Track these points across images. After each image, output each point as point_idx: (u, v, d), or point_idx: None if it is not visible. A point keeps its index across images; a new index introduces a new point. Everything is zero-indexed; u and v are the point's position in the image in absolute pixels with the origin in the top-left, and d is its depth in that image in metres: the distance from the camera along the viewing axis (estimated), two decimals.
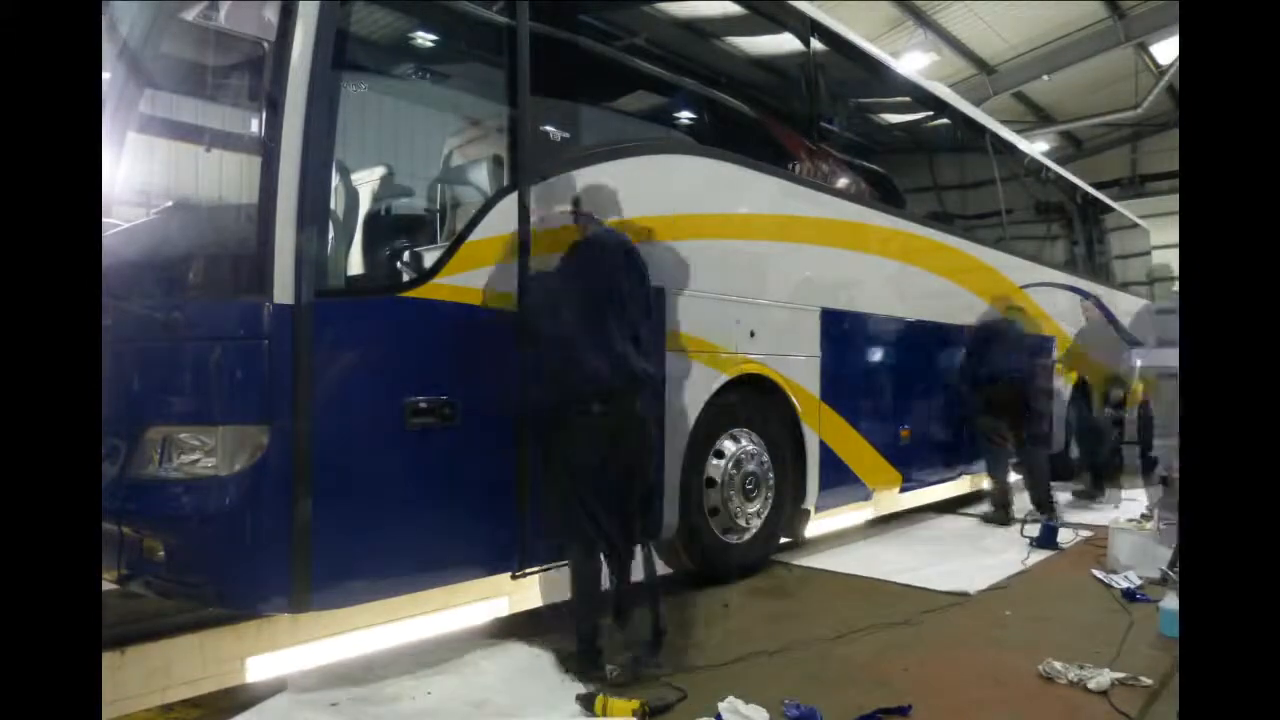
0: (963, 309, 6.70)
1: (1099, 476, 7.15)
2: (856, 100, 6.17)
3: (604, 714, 2.61)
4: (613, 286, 3.04)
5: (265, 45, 2.88)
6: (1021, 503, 6.70)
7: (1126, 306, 10.54)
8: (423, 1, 3.51)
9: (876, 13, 12.35)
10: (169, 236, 3.21)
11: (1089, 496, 6.97)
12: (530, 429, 3.17)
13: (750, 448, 4.38)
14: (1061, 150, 18.23)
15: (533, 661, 3.11)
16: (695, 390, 4.03)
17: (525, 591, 3.66)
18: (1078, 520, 6.06)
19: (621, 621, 3.07)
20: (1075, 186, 9.72)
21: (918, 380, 6.23)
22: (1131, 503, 6.75)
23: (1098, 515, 6.35)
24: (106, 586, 2.73)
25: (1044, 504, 6.18)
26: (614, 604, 3.05)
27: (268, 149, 2.69)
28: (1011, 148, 8.14)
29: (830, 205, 5.19)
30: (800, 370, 4.77)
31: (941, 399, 6.50)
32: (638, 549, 3.07)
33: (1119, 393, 8.97)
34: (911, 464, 5.91)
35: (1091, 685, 2.89)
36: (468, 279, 3.13)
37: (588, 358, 2.90)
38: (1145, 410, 9.57)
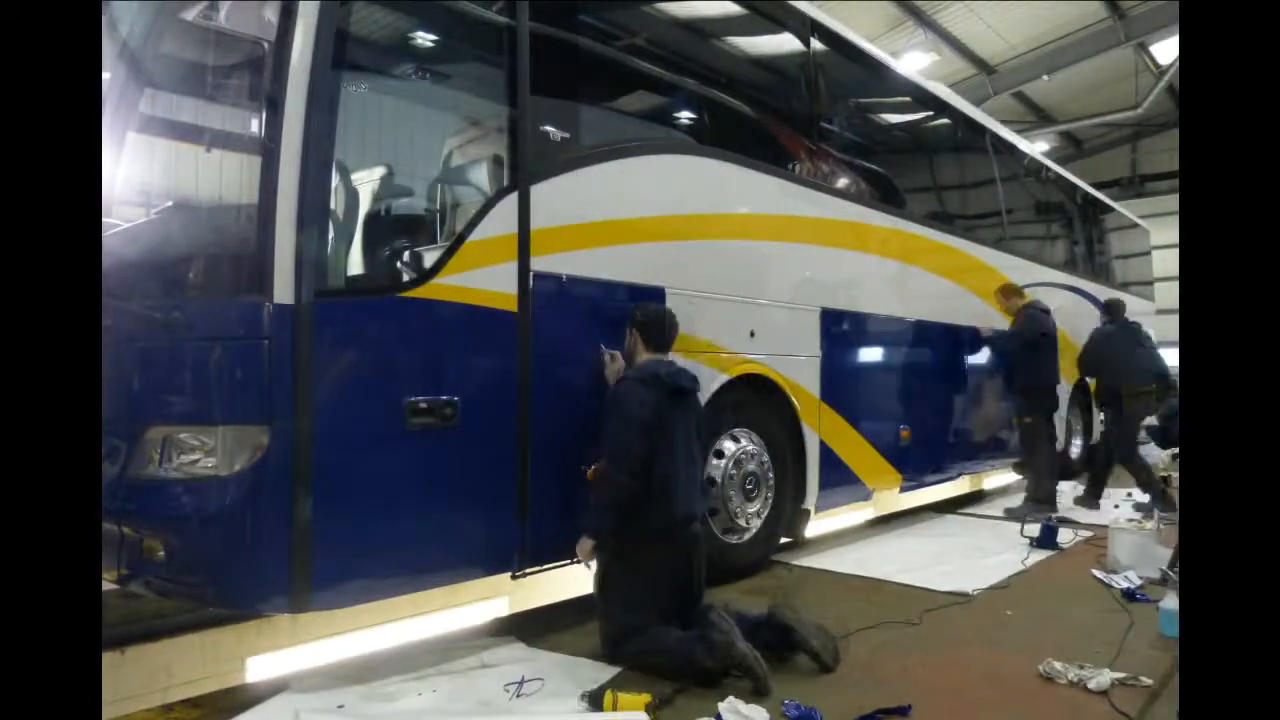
0: (963, 309, 6.70)
1: (1099, 483, 7.01)
2: (856, 100, 6.17)
3: (614, 709, 2.61)
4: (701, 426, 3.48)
5: (265, 45, 2.88)
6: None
7: (1126, 307, 10.53)
8: (423, 1, 3.51)
9: (876, 13, 12.36)
10: (169, 236, 3.22)
11: (1087, 503, 6.84)
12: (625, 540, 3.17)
13: (750, 448, 4.38)
14: (1061, 150, 18.25)
15: (535, 661, 3.12)
16: None
17: (525, 591, 3.66)
18: (1076, 518, 6.06)
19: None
20: (1075, 186, 9.72)
21: (918, 380, 6.23)
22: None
23: (1098, 515, 6.34)
24: (106, 586, 2.74)
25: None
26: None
27: (268, 149, 2.69)
28: (1011, 148, 8.15)
29: (830, 205, 5.19)
30: (800, 370, 4.77)
31: (941, 399, 6.51)
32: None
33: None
34: (911, 464, 5.91)
35: (1091, 685, 2.89)
36: (468, 279, 3.13)
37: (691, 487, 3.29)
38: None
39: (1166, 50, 13.90)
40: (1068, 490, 7.78)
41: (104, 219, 2.93)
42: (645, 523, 3.13)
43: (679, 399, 3.25)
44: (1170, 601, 3.48)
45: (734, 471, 4.26)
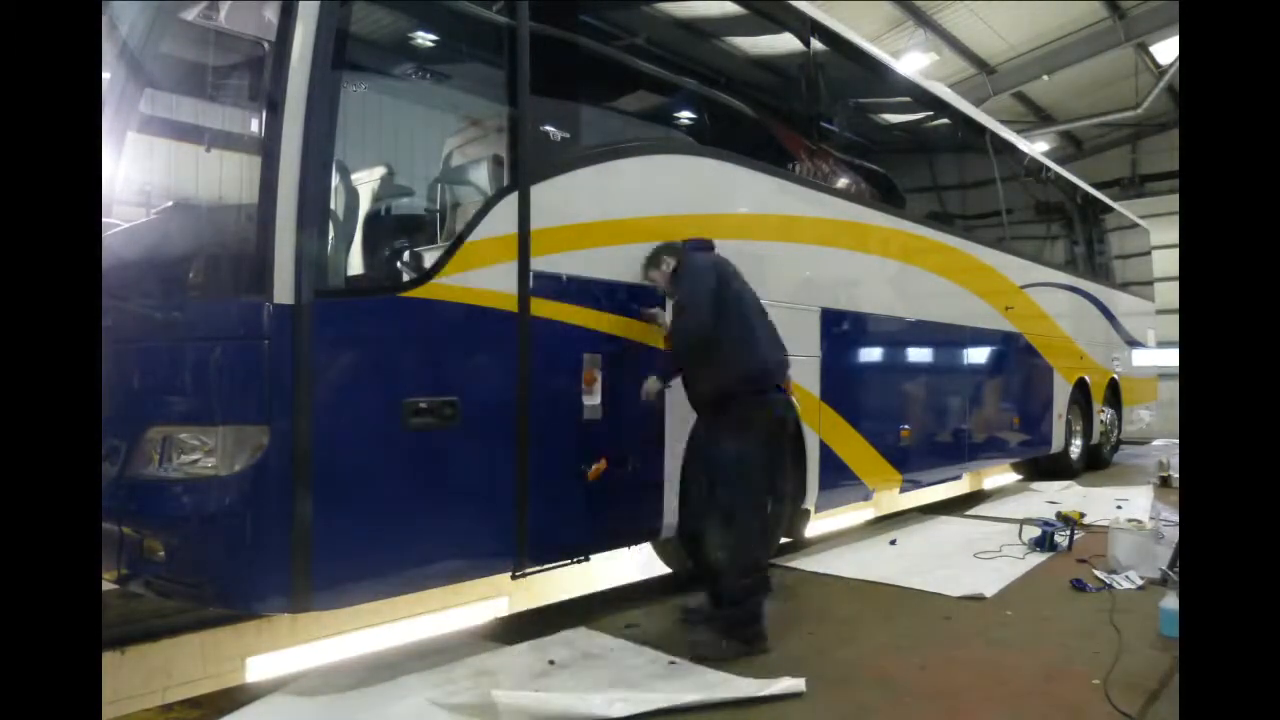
0: (963, 309, 6.70)
1: None
2: (856, 100, 6.17)
3: None
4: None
5: (265, 45, 2.88)
6: (1025, 506, 6.69)
7: (1126, 307, 10.55)
8: (423, 1, 3.51)
9: (876, 13, 12.34)
10: (169, 236, 3.21)
11: None
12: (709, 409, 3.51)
13: None
14: (1061, 150, 18.22)
15: (535, 661, 3.12)
16: None
17: (525, 592, 3.66)
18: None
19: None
20: (1075, 186, 9.72)
21: (917, 380, 6.23)
22: None
23: (1098, 515, 6.33)
24: (106, 586, 2.74)
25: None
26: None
27: (268, 149, 2.69)
28: (1011, 148, 8.14)
29: (830, 205, 5.19)
30: (800, 370, 4.76)
31: (941, 399, 6.51)
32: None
33: None
34: (911, 464, 5.91)
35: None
36: (468, 279, 3.13)
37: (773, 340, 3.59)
38: None
39: (1166, 50, 13.88)
40: (1058, 488, 7.80)
41: (104, 219, 2.93)
42: (733, 373, 3.35)
43: (736, 275, 3.56)
44: (1170, 601, 3.48)
45: None
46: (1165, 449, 9.24)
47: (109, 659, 2.91)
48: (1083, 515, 5.92)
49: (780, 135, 5.15)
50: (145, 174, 3.64)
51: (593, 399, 3.51)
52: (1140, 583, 4.22)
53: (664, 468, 3.85)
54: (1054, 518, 5.67)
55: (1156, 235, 11.88)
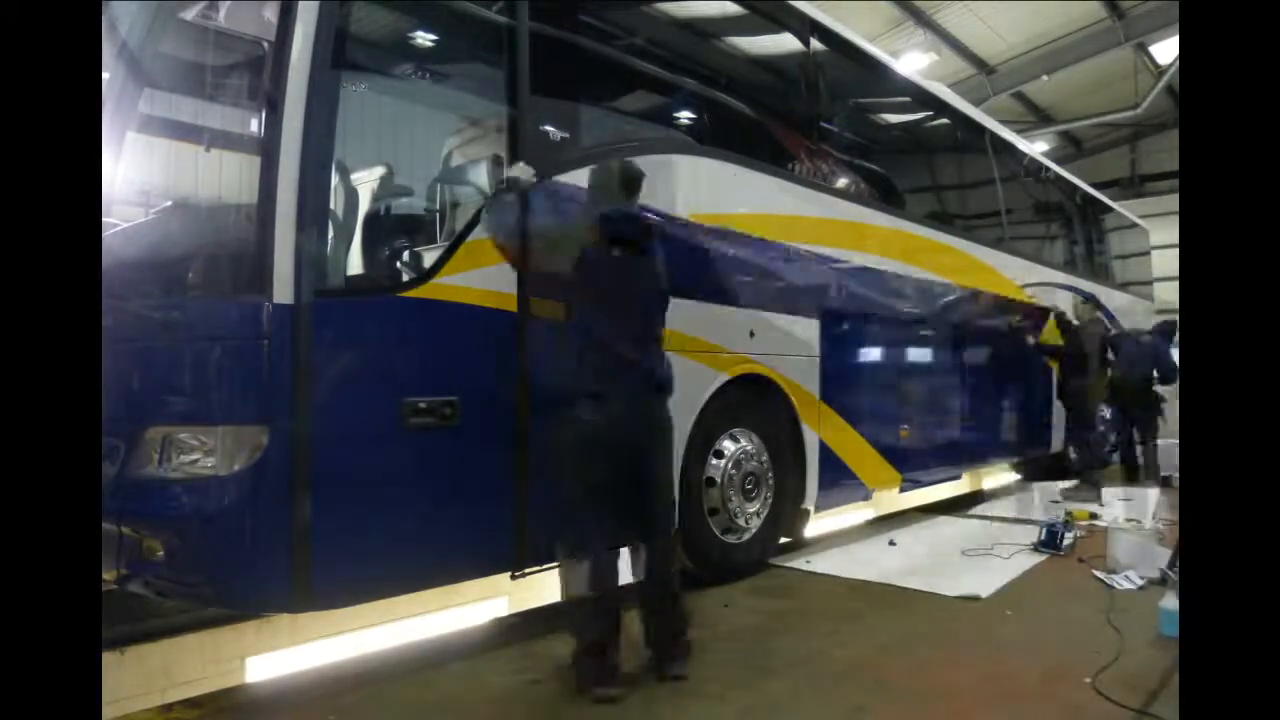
0: (962, 309, 6.70)
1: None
2: (856, 100, 6.17)
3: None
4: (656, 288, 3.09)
5: (265, 45, 2.88)
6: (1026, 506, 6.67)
7: (1125, 307, 10.54)
8: (423, 1, 3.51)
9: (876, 13, 12.34)
10: (169, 236, 3.22)
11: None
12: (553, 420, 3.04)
13: (750, 448, 4.38)
14: (1061, 150, 18.22)
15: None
16: (695, 390, 4.03)
17: (525, 591, 3.66)
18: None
19: (646, 617, 2.95)
20: (1075, 186, 9.72)
21: (917, 380, 6.23)
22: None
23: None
24: (106, 587, 2.74)
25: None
26: (640, 600, 2.95)
27: (267, 149, 2.69)
28: (1011, 148, 8.15)
29: (830, 205, 5.19)
30: (800, 370, 4.77)
31: (941, 398, 6.51)
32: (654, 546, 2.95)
33: None
34: (911, 464, 5.91)
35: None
36: (467, 279, 3.13)
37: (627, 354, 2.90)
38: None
39: (1166, 50, 13.88)
40: (1055, 489, 7.78)
41: (104, 219, 2.93)
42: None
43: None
44: (1170, 601, 3.48)
45: (734, 471, 4.26)
46: (1165, 449, 9.22)
47: (109, 659, 2.90)
48: (1094, 515, 5.89)
49: (780, 135, 5.15)
50: (145, 174, 3.64)
51: None
52: (1140, 582, 4.22)
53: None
54: (1062, 517, 5.64)
55: (1156, 235, 11.89)
